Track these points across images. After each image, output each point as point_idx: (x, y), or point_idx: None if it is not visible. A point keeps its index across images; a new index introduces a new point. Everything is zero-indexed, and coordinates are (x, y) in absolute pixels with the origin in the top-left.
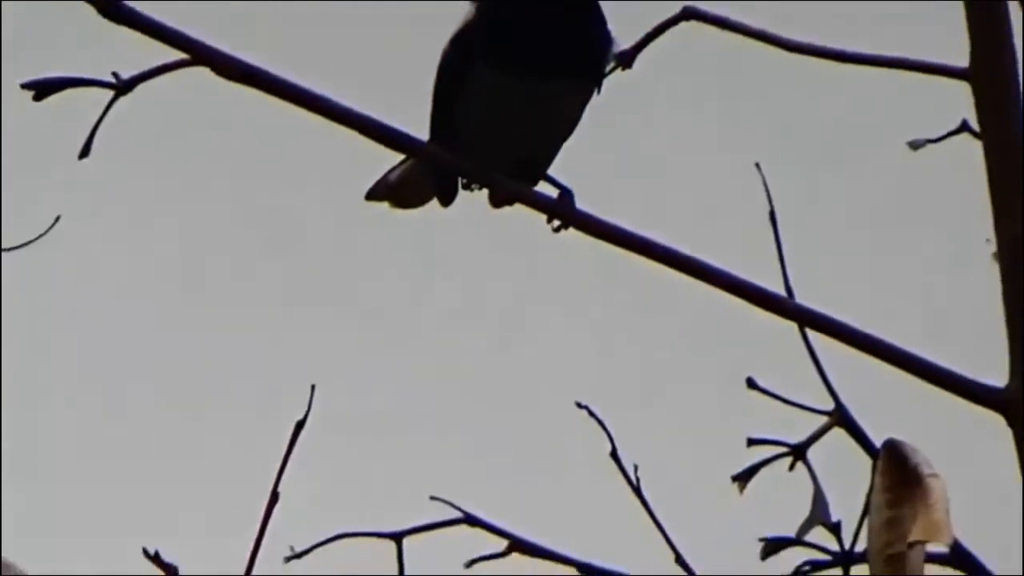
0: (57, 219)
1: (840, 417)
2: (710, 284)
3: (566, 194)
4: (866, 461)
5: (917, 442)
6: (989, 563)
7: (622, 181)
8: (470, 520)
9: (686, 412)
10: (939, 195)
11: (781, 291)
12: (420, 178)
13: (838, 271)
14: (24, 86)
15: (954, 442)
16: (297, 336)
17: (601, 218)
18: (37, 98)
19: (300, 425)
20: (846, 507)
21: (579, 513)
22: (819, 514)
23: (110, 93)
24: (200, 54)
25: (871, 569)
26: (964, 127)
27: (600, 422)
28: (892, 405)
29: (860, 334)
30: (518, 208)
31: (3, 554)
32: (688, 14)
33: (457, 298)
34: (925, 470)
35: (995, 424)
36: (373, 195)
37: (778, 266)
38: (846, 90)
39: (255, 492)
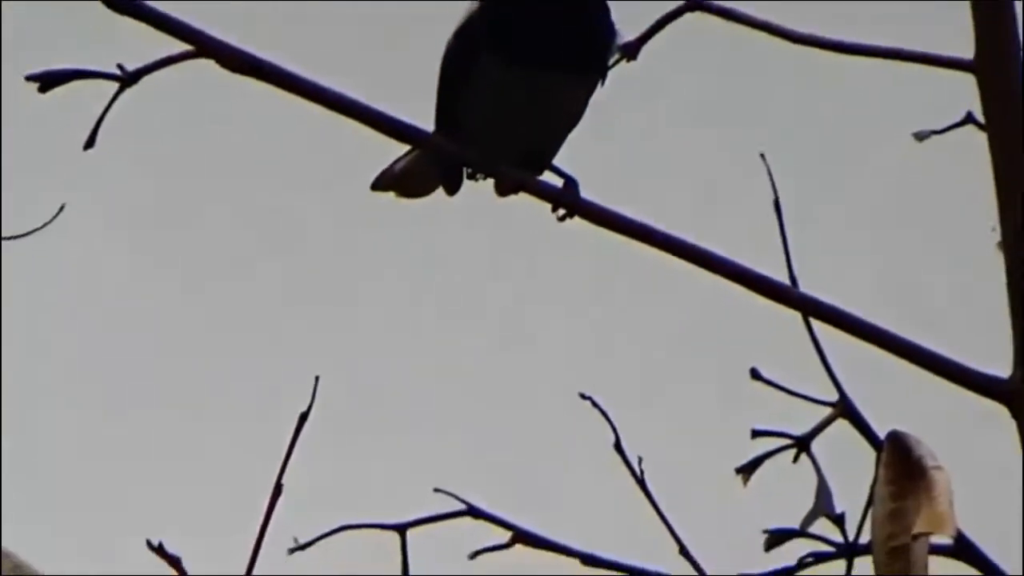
0: (61, 208)
1: (844, 408)
2: (713, 272)
3: (571, 183)
4: (870, 453)
5: (921, 433)
6: (993, 555)
7: (627, 172)
8: (474, 512)
9: (690, 403)
10: (944, 186)
11: (785, 280)
12: (425, 168)
13: (842, 261)
14: (29, 78)
15: (958, 433)
16: (301, 327)
17: (605, 206)
18: (42, 90)
19: (304, 417)
20: (850, 499)
21: (583, 505)
22: (823, 506)
23: (115, 85)
24: (205, 46)
25: (875, 561)
26: (969, 118)
27: (604, 413)
28: (896, 396)
29: (864, 324)
30: (523, 197)
31: (5, 550)
32: (693, 5)
33: (460, 290)
34: (929, 462)
35: (999, 415)
36: (379, 185)
37: (782, 256)
38: (851, 82)
39: (259, 484)
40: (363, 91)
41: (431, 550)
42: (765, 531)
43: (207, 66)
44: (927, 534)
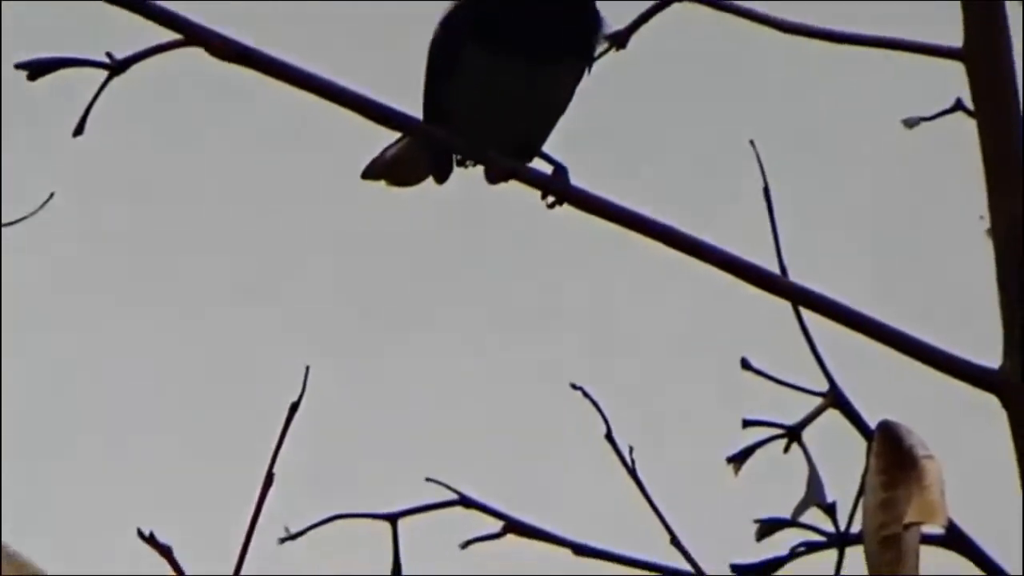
0: (51, 196)
1: (835, 398)
2: (703, 261)
3: (560, 171)
4: (861, 442)
5: (912, 423)
6: (984, 544)
7: (616, 161)
8: (465, 502)
9: (681, 393)
10: (933, 174)
11: (775, 269)
12: (415, 156)
13: (832, 250)
14: (19, 66)
15: (949, 423)
16: (291, 315)
17: (595, 194)
18: (31, 78)
19: (295, 407)
20: (841, 488)
21: (574, 495)
22: (814, 495)
23: (105, 73)
24: (194, 34)
25: (866, 550)
26: (959, 106)
27: (595, 403)
28: (886, 386)
29: (854, 314)
30: (513, 185)
31: (9, 550)
32: None
33: (451, 279)
34: (920, 451)
35: (990, 405)
36: (369, 174)
37: (772, 244)
38: (840, 71)
39: (250, 474)
40: (353, 78)
41: (423, 540)
42: (756, 521)
43: (196, 54)
44: (918, 523)
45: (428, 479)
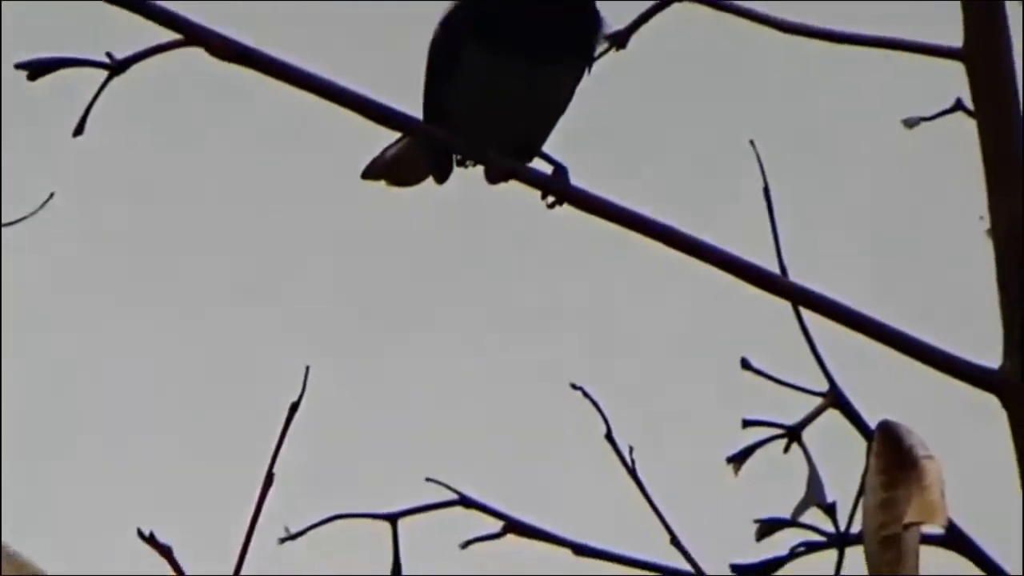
0: (51, 196)
1: (835, 398)
2: (703, 261)
3: (560, 170)
4: (861, 442)
5: (912, 423)
6: (984, 544)
7: (616, 161)
8: (465, 502)
9: (681, 393)
10: (933, 174)
11: (775, 269)
12: (415, 156)
13: (832, 250)
14: (19, 66)
15: (949, 423)
16: (291, 315)
17: (595, 194)
18: (31, 78)
19: (295, 407)
20: (841, 488)
21: (575, 495)
22: (814, 495)
23: (105, 73)
24: (194, 34)
25: (866, 550)
26: (959, 106)
27: (595, 403)
28: (886, 386)
29: (854, 313)
30: (513, 185)
31: (9, 550)
32: None
33: (451, 279)
34: (920, 451)
35: (990, 405)
36: (369, 174)
37: (772, 244)
38: (840, 71)
39: (250, 474)
40: (353, 79)
41: (423, 540)
42: (756, 520)
43: (197, 54)
44: (918, 523)
45: (428, 479)
